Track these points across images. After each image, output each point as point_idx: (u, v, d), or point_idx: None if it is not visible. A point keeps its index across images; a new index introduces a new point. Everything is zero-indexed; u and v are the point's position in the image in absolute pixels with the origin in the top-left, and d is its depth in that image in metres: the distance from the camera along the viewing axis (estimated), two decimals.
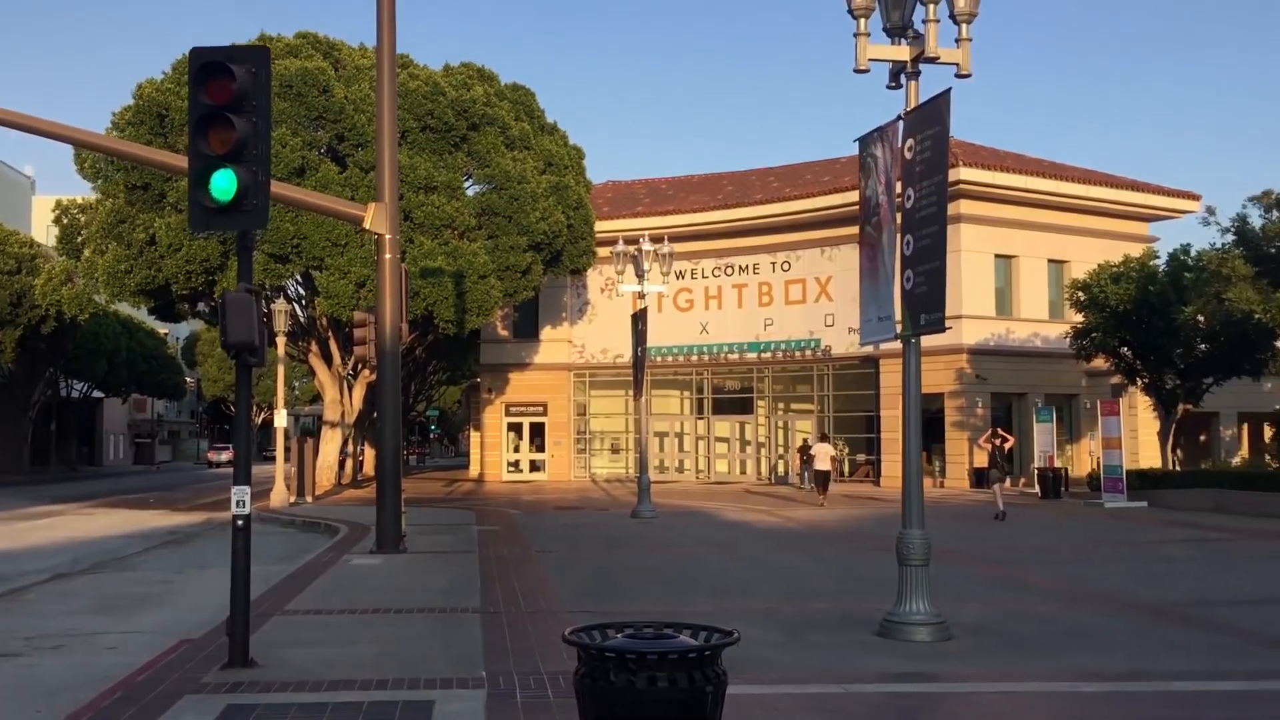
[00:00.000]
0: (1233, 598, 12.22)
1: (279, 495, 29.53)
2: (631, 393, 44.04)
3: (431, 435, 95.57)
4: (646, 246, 25.71)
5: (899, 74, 10.09)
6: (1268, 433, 39.44)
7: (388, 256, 17.19)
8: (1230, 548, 17.71)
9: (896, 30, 9.84)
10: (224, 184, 8.01)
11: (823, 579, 14.11)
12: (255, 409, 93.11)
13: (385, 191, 17.34)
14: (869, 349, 39.10)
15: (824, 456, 29.39)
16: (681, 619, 10.81)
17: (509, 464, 46.10)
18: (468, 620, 10.70)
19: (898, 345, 34.05)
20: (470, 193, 36.00)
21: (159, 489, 44.78)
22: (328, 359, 38.40)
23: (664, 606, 11.66)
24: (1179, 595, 12.32)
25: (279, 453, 31.54)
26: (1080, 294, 30.33)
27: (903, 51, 9.92)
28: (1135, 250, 33.28)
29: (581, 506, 29.14)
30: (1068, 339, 33.28)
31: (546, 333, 45.29)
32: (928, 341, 36.24)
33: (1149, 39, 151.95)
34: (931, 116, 9.53)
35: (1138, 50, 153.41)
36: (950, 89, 9.36)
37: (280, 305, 31.07)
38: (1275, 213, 24.25)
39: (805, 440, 40.50)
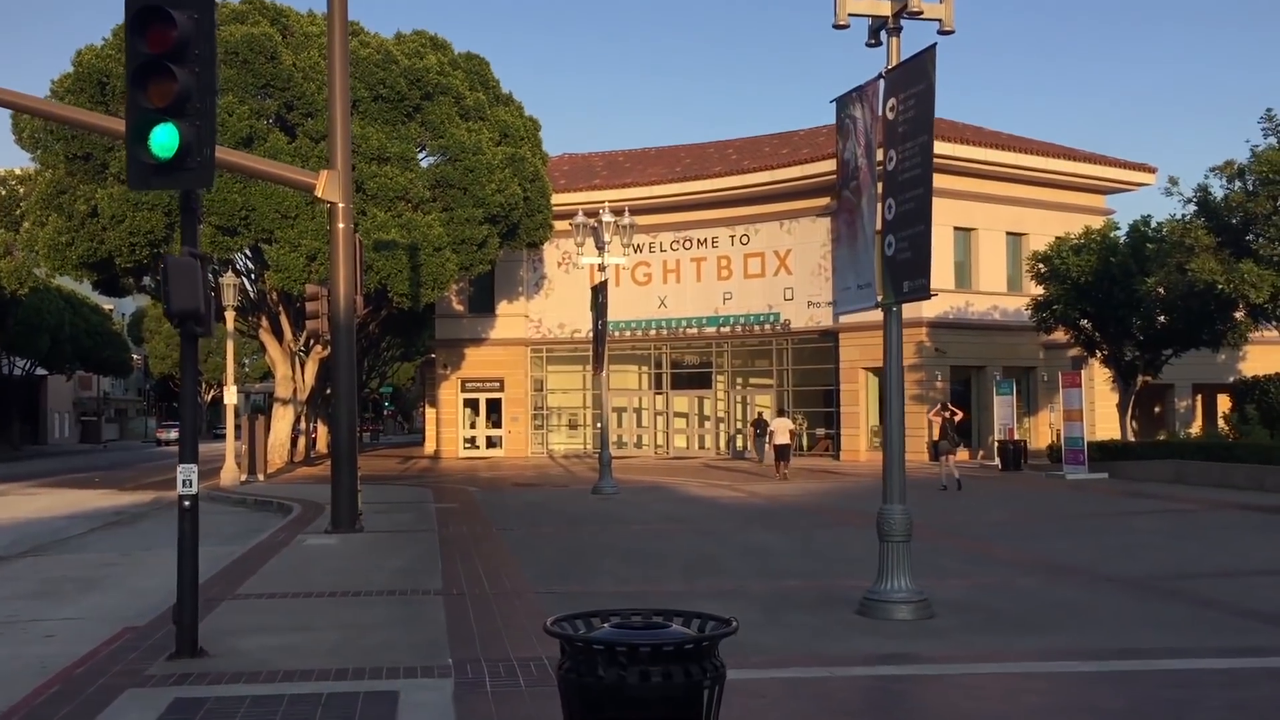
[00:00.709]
0: (1208, 569, 12.04)
1: (229, 473, 28.80)
2: (589, 368, 43.76)
3: (385, 412, 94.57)
4: (607, 218, 25.21)
5: (879, 30, 9.68)
6: (1221, 404, 39.69)
7: (341, 226, 16.56)
8: (1196, 519, 17.63)
9: None
10: (165, 139, 7.43)
11: (793, 555, 13.79)
12: (205, 386, 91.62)
13: (338, 158, 16.69)
14: (828, 323, 38.93)
15: (783, 431, 29.28)
16: (652, 599, 10.46)
17: (465, 440, 45.51)
18: (430, 603, 10.24)
19: (858, 319, 33.79)
20: (424, 164, 35.25)
21: (105, 468, 43.70)
22: (279, 334, 37.56)
23: (633, 586, 11.28)
24: (1154, 568, 12.12)
25: (229, 430, 30.76)
26: (1041, 266, 30.25)
27: (884, 6, 9.51)
28: (1092, 223, 33.27)
29: (540, 483, 28.69)
30: (1027, 312, 33.26)
31: (503, 308, 44.65)
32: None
33: (1106, 13, 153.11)
34: (916, 74, 9.13)
35: (1093, 23, 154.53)
36: (935, 44, 8.96)
37: (229, 279, 30.24)
38: (1237, 183, 24.21)
39: (760, 414, 40.38)
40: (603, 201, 28.36)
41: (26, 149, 33.70)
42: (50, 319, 59.70)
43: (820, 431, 40.44)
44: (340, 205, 16.51)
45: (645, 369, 44.19)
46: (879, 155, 9.77)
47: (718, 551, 14.05)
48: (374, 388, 70.52)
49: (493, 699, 6.80)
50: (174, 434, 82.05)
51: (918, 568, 9.64)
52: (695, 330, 42.41)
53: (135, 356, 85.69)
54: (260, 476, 30.38)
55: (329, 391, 23.55)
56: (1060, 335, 33.20)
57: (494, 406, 45.43)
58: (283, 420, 37.30)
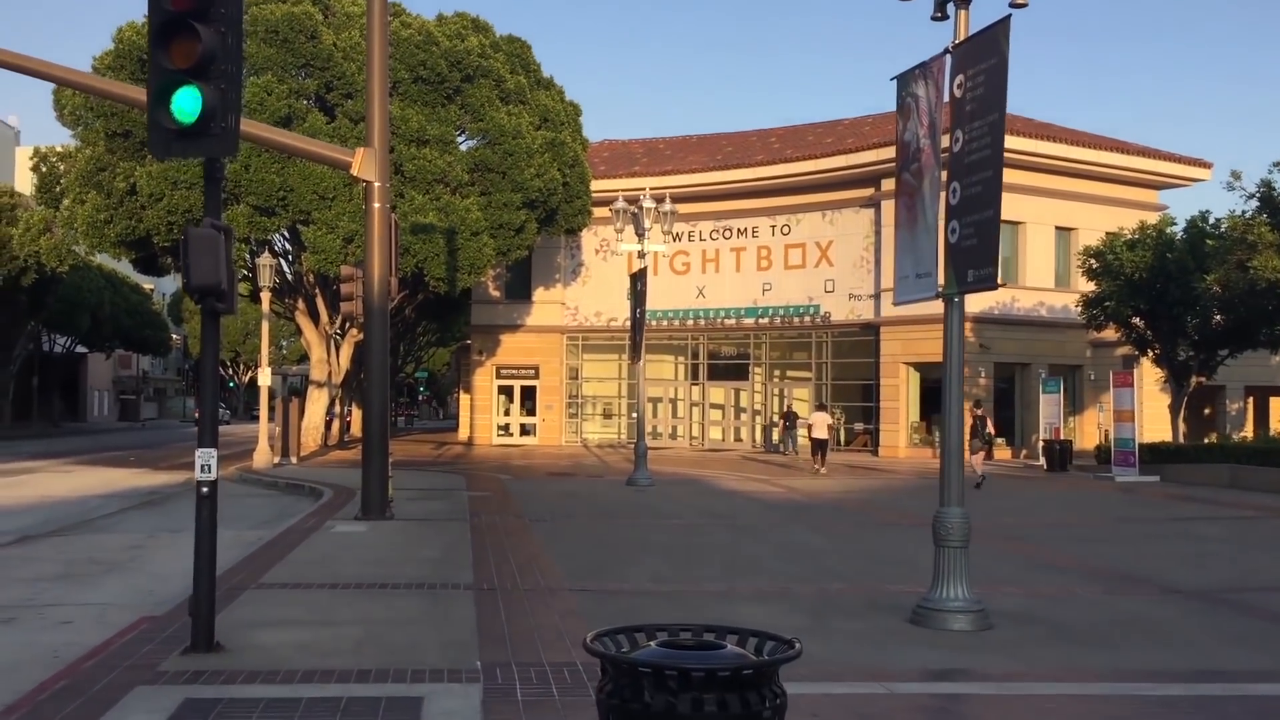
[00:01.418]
0: None
1: (262, 456, 28.58)
2: (625, 357, 43.28)
3: (420, 397, 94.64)
4: (647, 204, 24.67)
5: (946, 2, 9.08)
6: (1275, 406, 38.70)
7: (377, 206, 16.15)
8: (1260, 527, 16.89)
9: None
10: (187, 103, 6.98)
11: (836, 556, 13.23)
12: (243, 368, 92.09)
13: (375, 137, 16.26)
14: (869, 316, 38.23)
15: (821, 425, 28.90)
16: (691, 599, 9.94)
17: (499, 427, 45.19)
18: (460, 598, 9.78)
19: (900, 312, 33.19)
20: (463, 147, 34.85)
21: (141, 447, 43.76)
22: (314, 317, 37.34)
23: (671, 585, 10.78)
24: (1223, 579, 11.47)
25: (263, 412, 30.54)
26: (1093, 261, 29.39)
27: None
28: (1145, 219, 32.39)
29: (574, 473, 28.25)
30: (1076, 308, 32.42)
31: (539, 294, 44.24)
32: (929, 309, 35.01)
33: (1159, 7, 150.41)
34: (987, 48, 8.53)
35: (1146, 17, 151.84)
36: (1010, 15, 8.36)
37: (265, 259, 29.97)
38: None
39: (790, 406, 39.97)
40: (642, 189, 27.85)
41: (67, 126, 33.63)
42: (90, 297, 59.98)
43: (859, 427, 39.74)
44: (376, 184, 16.10)
45: (682, 359, 43.65)
46: (945, 132, 9.19)
47: (757, 550, 13.53)
48: (409, 372, 70.44)
49: (523, 709, 6.32)
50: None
51: (971, 572, 9.06)
52: (733, 321, 41.81)
53: (175, 336, 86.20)
54: (293, 459, 30.16)
55: (362, 375, 23.20)
56: (1110, 333, 32.34)
57: (528, 394, 45.06)
58: (317, 403, 37.11)
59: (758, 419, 42.63)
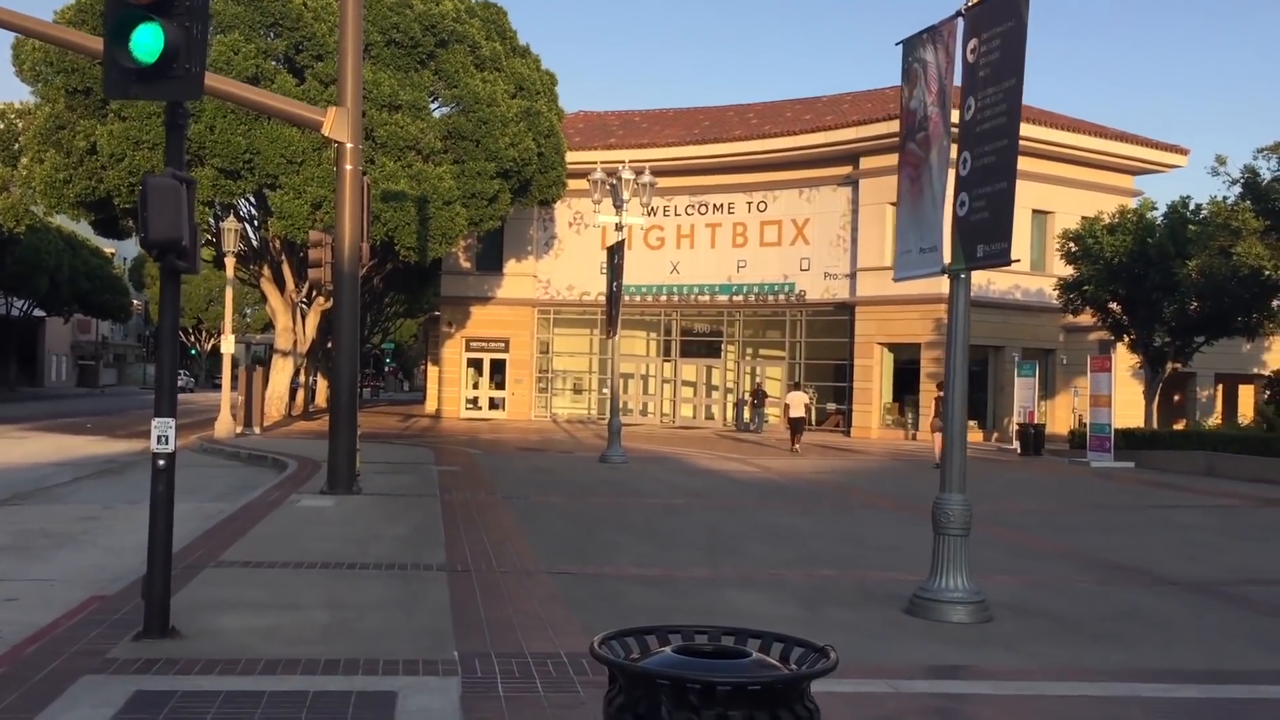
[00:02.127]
0: (1278, 575, 11.07)
1: (224, 425, 27.87)
2: (597, 331, 42.76)
3: (387, 369, 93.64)
4: (626, 175, 24.12)
5: None
6: (1244, 394, 38.74)
7: (349, 168, 15.53)
8: (1245, 516, 16.66)
9: None
10: (148, 41, 6.39)
11: (821, 539, 12.82)
12: (205, 335, 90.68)
13: (348, 96, 15.60)
14: (844, 295, 37.88)
15: (798, 404, 28.78)
16: (677, 584, 9.48)
17: (467, 401, 44.57)
18: (433, 580, 9.28)
19: (874, 292, 33.10)
20: (436, 114, 34.09)
21: (100, 413, 42.78)
22: (280, 284, 36.54)
23: (655, 569, 10.33)
24: (1218, 571, 11.16)
25: (225, 381, 29.80)
26: (1072, 245, 29.13)
27: None
28: (1120, 204, 32.20)
29: (545, 448, 27.76)
30: (1052, 292, 32.21)
31: (511, 266, 43.57)
32: (906, 290, 34.59)
33: None
34: (1003, 9, 8.06)
35: (1123, 3, 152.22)
36: None
37: (230, 224, 29.15)
38: None
39: (760, 385, 39.77)
40: (618, 161, 27.26)
41: (27, 82, 32.55)
42: (49, 260, 58.65)
43: (831, 407, 39.45)
44: (348, 145, 15.47)
45: (654, 335, 43.17)
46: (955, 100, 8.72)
47: (740, 531, 13.10)
48: (376, 343, 69.52)
49: (506, 707, 5.84)
50: (179, 382, 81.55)
51: (969, 562, 8.66)
52: (707, 298, 41.36)
53: (136, 302, 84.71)
54: (256, 429, 29.48)
55: (330, 345, 22.57)
56: (1085, 318, 32.16)
57: (498, 367, 44.46)
58: (282, 372, 36.36)
59: (729, 397, 42.26)
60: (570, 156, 37.49)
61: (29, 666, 6.27)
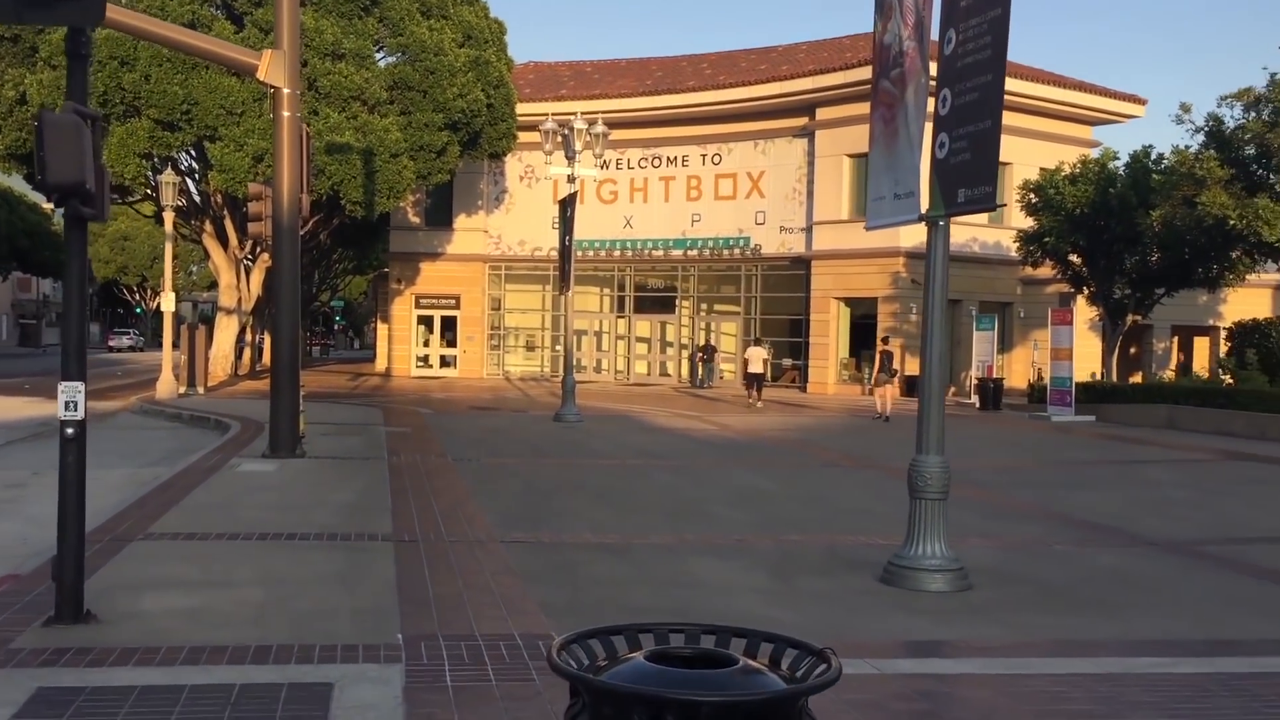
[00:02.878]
0: (1259, 533, 10.77)
1: (166, 385, 26.96)
2: (549, 287, 42.04)
3: (336, 327, 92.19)
4: (578, 125, 23.36)
5: None
6: (1199, 346, 38.86)
7: (286, 114, 14.69)
8: (1214, 470, 16.44)
9: None
10: None
11: (786, 501, 12.35)
12: (150, 294, 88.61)
13: (284, 38, 14.75)
14: (800, 249, 37.40)
15: (757, 359, 28.65)
16: (638, 552, 8.91)
17: (418, 359, 43.72)
18: (378, 552, 8.68)
19: (830, 246, 32.58)
20: (382, 64, 32.97)
21: (39, 374, 41.40)
22: (223, 240, 35.36)
23: (614, 536, 9.79)
24: (1197, 530, 10.83)
25: (166, 340, 28.81)
26: (1033, 196, 28.78)
27: None
28: (1081, 154, 31.88)
29: (498, 407, 27.12)
30: (1010, 245, 31.94)
31: (461, 221, 42.60)
32: (863, 243, 34.07)
33: None
34: None
35: None
36: None
37: (168, 177, 28.05)
38: (1252, 113, 22.77)
39: (709, 340, 39.54)
40: (570, 113, 26.42)
41: None
42: None
43: (787, 362, 39.06)
44: (286, 91, 14.62)
45: (608, 291, 42.49)
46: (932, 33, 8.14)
47: (701, 494, 12.60)
48: (324, 301, 68.18)
49: (454, 700, 5.27)
50: (126, 340, 79.60)
51: (947, 527, 8.21)
52: (661, 252, 40.72)
53: None
54: (200, 390, 28.56)
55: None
56: (1044, 271, 31.92)
57: (449, 324, 43.61)
58: (226, 331, 35.29)
59: (684, 353, 41.77)
60: (521, 108, 36.54)
61: None
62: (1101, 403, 25.21)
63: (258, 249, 34.26)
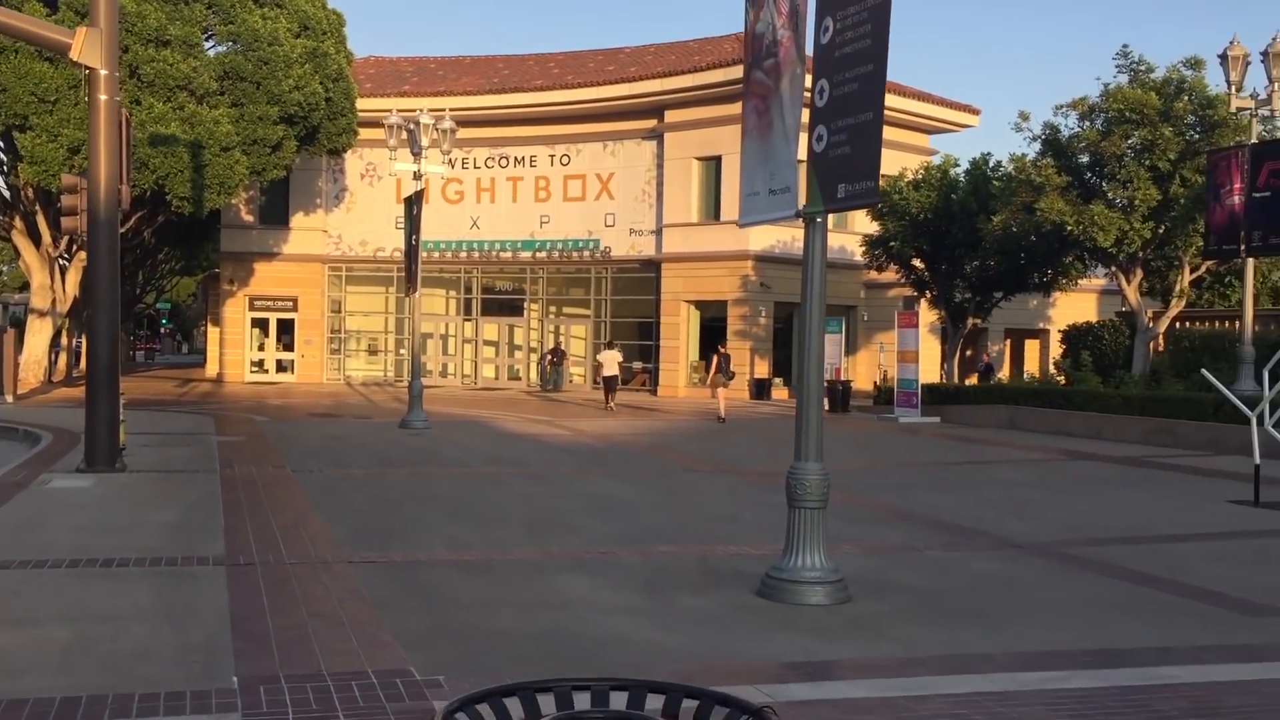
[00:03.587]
0: (1114, 533, 10.81)
1: None
2: (392, 290, 40.75)
3: (163, 330, 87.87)
4: (424, 119, 22.50)
5: None
6: (1029, 348, 40.32)
7: (103, 98, 13.49)
8: (1059, 470, 16.73)
9: None
10: None
11: (651, 510, 11.88)
12: None
13: (101, 15, 13.54)
14: (650, 252, 37.21)
15: (611, 363, 28.52)
16: (501, 570, 8.25)
17: (253, 364, 41.79)
18: (208, 578, 7.83)
19: (680, 249, 32.60)
20: (212, 53, 31.31)
21: None
22: (36, 238, 33.03)
23: (473, 552, 9.15)
24: (1056, 530, 10.82)
25: None
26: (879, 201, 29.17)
27: None
28: (920, 161, 32.58)
29: (339, 414, 25.95)
30: (857, 249, 32.39)
31: (298, 220, 40.92)
32: (713, 247, 34.23)
33: None
34: None
35: None
36: None
37: None
38: (1086, 122, 23.52)
39: (558, 343, 39.20)
40: (414, 110, 25.46)
41: None
42: None
43: (637, 365, 38.80)
44: (103, 73, 13.43)
45: (454, 294, 41.49)
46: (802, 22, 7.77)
47: (562, 504, 12.03)
48: (150, 303, 64.77)
49: None
50: None
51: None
52: (509, 254, 39.96)
53: None
54: (9, 398, 26.47)
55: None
56: (888, 275, 32.48)
57: (286, 327, 41.82)
58: (39, 334, 32.92)
59: (533, 357, 41.09)
60: (361, 104, 35.31)
61: None
62: (946, 404, 25.69)
63: (74, 246, 32.10)
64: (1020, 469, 16.65)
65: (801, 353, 7.93)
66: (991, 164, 27.89)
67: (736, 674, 5.83)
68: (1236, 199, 19.83)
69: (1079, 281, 30.32)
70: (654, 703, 2.79)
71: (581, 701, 2.75)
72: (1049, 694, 5.66)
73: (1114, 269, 24.64)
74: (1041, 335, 39.03)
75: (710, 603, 7.53)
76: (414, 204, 22.65)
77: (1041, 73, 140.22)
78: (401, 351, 40.09)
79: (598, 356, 30.46)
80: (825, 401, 27.44)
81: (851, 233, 34.79)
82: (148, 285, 57.67)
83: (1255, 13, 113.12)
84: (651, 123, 37.39)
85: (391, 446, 18.03)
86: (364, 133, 35.11)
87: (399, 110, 26.29)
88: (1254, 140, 20.46)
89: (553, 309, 40.91)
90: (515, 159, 39.72)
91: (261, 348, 42.16)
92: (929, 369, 31.95)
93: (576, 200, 38.91)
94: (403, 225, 27.00)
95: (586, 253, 38.79)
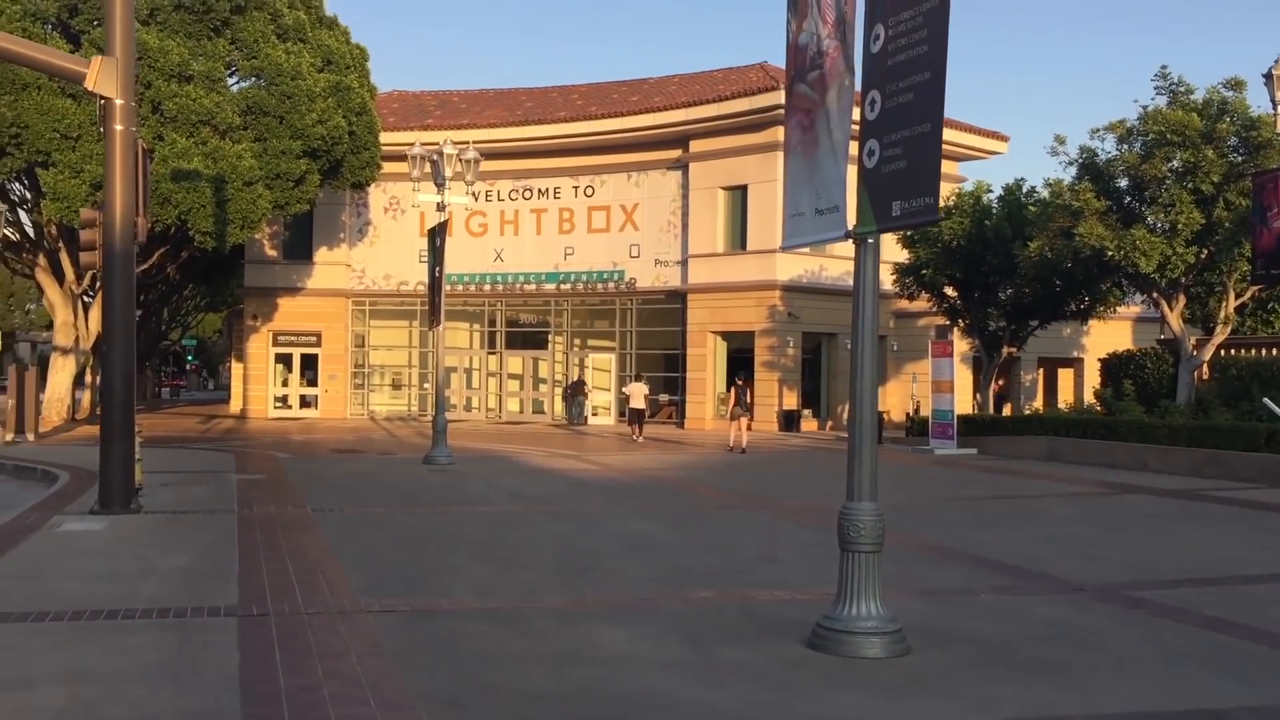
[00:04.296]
0: (1181, 574, 10.16)
1: None
2: (416, 323, 40.44)
3: (188, 367, 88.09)
4: (448, 150, 22.16)
5: None
6: (1063, 377, 39.52)
7: (119, 128, 13.15)
8: (1112, 504, 16.03)
9: None
10: None
11: (687, 550, 11.30)
12: None
13: (117, 44, 13.23)
14: (675, 283, 36.74)
15: (638, 395, 28.34)
16: (529, 619, 7.69)
17: (276, 399, 41.47)
18: (218, 631, 7.31)
19: (706, 279, 32.11)
20: (235, 88, 31.18)
21: None
22: (59, 275, 32.89)
23: (500, 600, 8.60)
24: (1119, 572, 10.17)
25: None
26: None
27: None
28: (950, 189, 32.03)
29: (363, 449, 25.49)
30: (888, 277, 31.75)
31: (322, 255, 40.69)
32: (740, 277, 33.75)
33: None
34: None
35: None
36: None
37: None
38: (1125, 145, 22.92)
39: (579, 376, 38.77)
40: (437, 143, 25.16)
41: None
42: None
43: (664, 397, 38.25)
44: (118, 102, 13.10)
45: (478, 327, 41.10)
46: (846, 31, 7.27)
47: (593, 543, 11.47)
48: (175, 339, 64.81)
49: None
50: None
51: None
52: (533, 286, 39.57)
53: None
54: (30, 436, 26.14)
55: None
56: (919, 304, 31.85)
57: (309, 363, 41.52)
58: (62, 372, 32.71)
59: (558, 390, 40.61)
60: (385, 138, 35.07)
61: None
62: (982, 435, 25.00)
63: (97, 284, 31.90)
64: (1069, 503, 15.97)
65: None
66: (1025, 189, 27.31)
67: None
68: None
69: (1116, 309, 29.63)
70: None
71: None
72: None
73: (1155, 295, 23.94)
74: (1076, 364, 38.23)
75: (759, 656, 6.94)
76: (437, 236, 22.28)
77: (1066, 99, 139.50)
78: (425, 386, 39.68)
79: (624, 389, 30.00)
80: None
81: (881, 261, 34.08)
82: (173, 321, 57.68)
83: None
84: (676, 153, 37.03)
85: (415, 484, 17.52)
86: (387, 166, 34.89)
87: (422, 142, 26.03)
88: None
89: (577, 341, 40.47)
90: (539, 191, 39.42)
91: (285, 383, 41.87)
92: (961, 399, 31.26)
93: (601, 231, 38.53)
94: (426, 259, 26.63)
95: (611, 284, 38.35)
